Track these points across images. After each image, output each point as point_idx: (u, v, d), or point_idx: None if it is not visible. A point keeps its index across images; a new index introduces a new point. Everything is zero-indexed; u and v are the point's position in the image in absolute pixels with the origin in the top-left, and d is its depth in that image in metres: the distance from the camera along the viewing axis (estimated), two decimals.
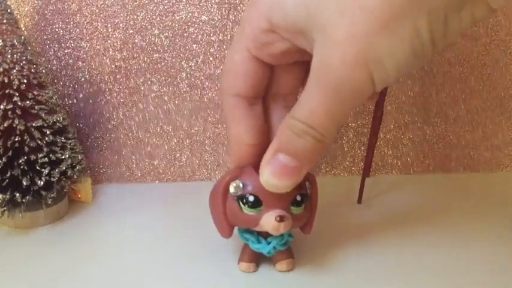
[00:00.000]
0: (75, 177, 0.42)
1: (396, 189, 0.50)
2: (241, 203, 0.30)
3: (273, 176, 0.27)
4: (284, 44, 0.26)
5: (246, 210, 0.30)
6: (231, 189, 0.31)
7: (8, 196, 0.37)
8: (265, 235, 0.33)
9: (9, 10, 0.38)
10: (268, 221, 0.30)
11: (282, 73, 0.30)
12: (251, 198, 0.30)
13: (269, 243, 0.33)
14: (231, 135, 0.31)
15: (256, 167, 0.30)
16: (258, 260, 0.35)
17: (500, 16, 0.49)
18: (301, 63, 0.30)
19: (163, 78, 0.48)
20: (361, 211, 0.44)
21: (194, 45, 0.47)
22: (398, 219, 0.43)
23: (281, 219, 0.29)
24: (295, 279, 0.34)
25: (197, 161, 0.51)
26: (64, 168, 0.40)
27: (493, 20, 0.49)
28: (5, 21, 0.37)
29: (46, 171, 0.38)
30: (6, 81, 0.36)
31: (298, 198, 0.31)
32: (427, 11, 0.20)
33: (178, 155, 0.51)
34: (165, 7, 0.46)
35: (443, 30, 0.21)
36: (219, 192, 0.31)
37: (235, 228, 0.34)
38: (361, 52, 0.21)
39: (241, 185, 0.30)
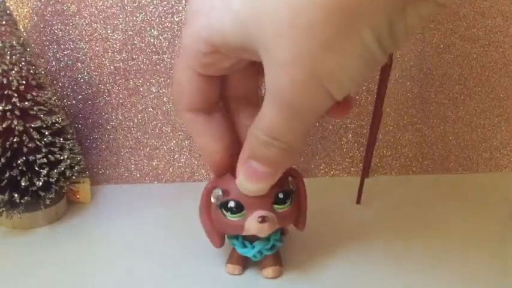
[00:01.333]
0: (74, 178, 0.42)
1: (395, 189, 0.50)
2: (224, 211, 0.30)
3: (246, 180, 0.28)
4: (230, 60, 0.26)
5: (229, 216, 0.30)
6: (212, 199, 0.31)
7: (6, 197, 0.37)
8: (251, 239, 0.33)
9: (8, 11, 0.38)
10: (251, 223, 0.30)
11: (235, 78, 0.30)
12: (232, 204, 0.30)
13: (254, 247, 0.33)
14: (199, 148, 0.31)
15: (233, 172, 0.30)
16: (245, 263, 0.35)
17: (499, 18, 0.49)
18: (252, 64, 0.28)
19: (162, 79, 0.48)
20: (360, 212, 0.44)
21: None
22: (397, 219, 0.43)
23: (263, 219, 0.29)
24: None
25: (196, 162, 0.51)
26: (63, 169, 0.40)
27: (491, 21, 0.49)
28: (4, 22, 0.37)
29: (45, 171, 0.38)
30: (5, 82, 0.36)
31: (281, 195, 0.30)
32: (369, 23, 0.19)
33: (177, 155, 0.51)
34: (165, 8, 0.46)
35: (390, 36, 0.20)
36: (203, 204, 0.32)
37: None
38: (309, 72, 0.21)
39: (220, 193, 0.30)
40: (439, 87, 0.51)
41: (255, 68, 0.29)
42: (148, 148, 0.51)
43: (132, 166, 0.51)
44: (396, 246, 0.38)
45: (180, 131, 0.50)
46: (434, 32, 0.49)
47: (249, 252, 0.33)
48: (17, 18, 0.45)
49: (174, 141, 0.51)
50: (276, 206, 0.30)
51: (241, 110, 0.31)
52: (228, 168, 0.31)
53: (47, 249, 0.38)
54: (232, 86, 0.30)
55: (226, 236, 0.34)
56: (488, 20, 0.49)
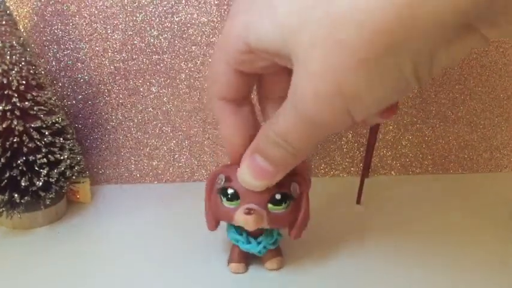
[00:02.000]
0: (74, 178, 0.42)
1: (395, 190, 0.50)
2: (222, 196, 0.31)
3: (247, 172, 0.29)
4: (264, 62, 0.26)
5: (225, 202, 0.31)
6: (216, 184, 0.32)
7: (6, 197, 0.37)
8: (255, 235, 0.33)
9: (8, 11, 0.38)
10: (238, 214, 0.30)
11: (270, 79, 0.30)
12: (230, 191, 0.31)
13: (259, 243, 0.33)
14: (222, 136, 0.32)
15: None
16: (247, 260, 0.35)
17: None
18: (288, 69, 0.29)
19: (162, 79, 0.48)
20: (360, 212, 0.44)
21: (193, 47, 0.48)
22: (397, 219, 0.43)
23: (249, 212, 0.29)
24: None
25: (196, 162, 0.51)
26: (63, 169, 0.40)
27: None
28: (4, 22, 0.37)
29: (45, 171, 0.38)
30: (5, 82, 0.36)
31: (278, 196, 0.31)
32: (410, 54, 0.19)
33: (177, 155, 0.51)
34: (165, 8, 0.46)
35: (429, 69, 0.20)
36: (207, 186, 0.33)
37: (226, 232, 0.34)
38: (334, 87, 0.21)
39: (223, 179, 0.31)
40: (439, 87, 0.51)
41: (288, 75, 0.29)
42: (148, 148, 0.51)
43: (132, 166, 0.51)
44: (396, 246, 0.38)
45: (180, 131, 0.50)
46: None
47: (254, 248, 0.33)
48: (17, 18, 0.45)
49: (174, 141, 0.51)
50: (270, 206, 0.31)
51: (270, 111, 0.31)
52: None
53: (47, 249, 0.38)
54: (266, 86, 0.31)
55: (227, 233, 0.34)
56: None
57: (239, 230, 0.33)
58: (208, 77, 0.30)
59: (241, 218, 0.30)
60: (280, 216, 0.31)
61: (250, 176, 0.29)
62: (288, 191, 0.31)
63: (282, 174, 0.28)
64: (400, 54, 0.19)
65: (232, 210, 0.31)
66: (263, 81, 0.30)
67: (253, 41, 0.24)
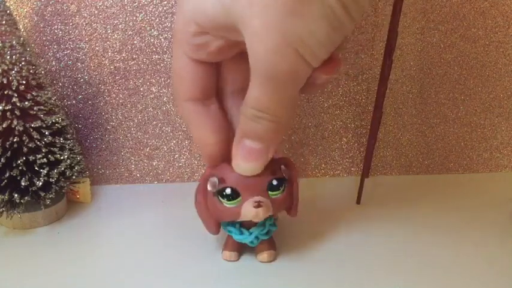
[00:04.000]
0: (74, 177, 0.42)
1: (395, 189, 0.50)
2: (220, 198, 0.31)
3: (242, 160, 0.29)
4: (218, 41, 0.27)
5: (226, 203, 0.31)
6: (208, 187, 0.32)
7: (6, 197, 0.37)
8: (247, 226, 0.34)
9: (8, 11, 0.38)
10: (247, 209, 0.30)
11: (230, 69, 0.31)
12: (228, 191, 0.31)
13: (251, 233, 0.34)
14: (195, 138, 0.32)
15: (229, 161, 0.31)
16: (240, 249, 0.36)
17: (499, 18, 0.49)
18: (245, 54, 0.30)
19: (162, 79, 0.48)
20: (360, 212, 0.44)
21: None
22: (397, 219, 0.43)
23: (258, 204, 0.30)
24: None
25: (196, 162, 0.51)
26: (63, 168, 0.40)
27: (492, 21, 0.49)
28: (4, 22, 0.37)
29: (45, 171, 0.38)
30: (5, 82, 0.36)
31: (274, 182, 0.31)
32: None
33: (177, 156, 0.51)
34: (164, 8, 0.46)
35: None
36: (200, 192, 0.33)
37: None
38: (279, 38, 0.22)
39: (216, 181, 0.31)
40: (439, 87, 0.51)
41: (246, 60, 0.30)
42: (148, 148, 0.51)
43: (132, 166, 0.51)
44: (396, 246, 0.38)
45: (180, 131, 0.50)
46: (434, 32, 0.49)
47: (246, 238, 0.34)
48: (17, 18, 0.45)
49: (174, 141, 0.50)
50: (270, 193, 0.31)
51: (238, 104, 0.32)
52: (221, 160, 0.32)
53: (47, 250, 0.38)
54: (228, 79, 0.31)
55: (222, 226, 0.35)
56: (488, 20, 0.49)
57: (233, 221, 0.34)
58: (173, 82, 0.30)
59: (251, 212, 0.30)
60: (280, 200, 0.32)
61: (244, 161, 0.29)
62: (281, 175, 0.32)
63: (272, 148, 0.29)
64: None
65: (235, 209, 0.31)
66: (223, 74, 0.31)
67: (200, 20, 0.25)
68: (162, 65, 0.48)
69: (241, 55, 0.29)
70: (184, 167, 0.51)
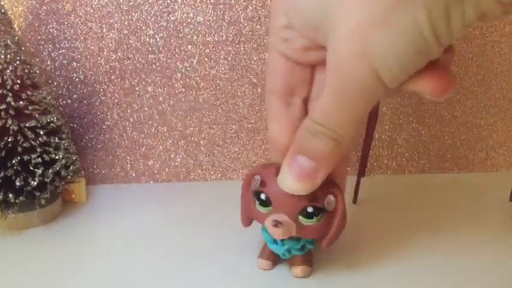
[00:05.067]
0: (69, 177, 0.42)
1: (391, 189, 0.50)
2: (255, 198, 0.31)
3: (290, 177, 0.28)
4: (303, 40, 0.26)
5: (257, 206, 0.31)
6: (252, 182, 0.32)
7: (1, 196, 0.37)
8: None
9: (2, 10, 0.38)
10: (267, 223, 0.30)
11: (319, 75, 0.30)
12: (263, 197, 0.31)
13: (284, 245, 0.33)
14: (270, 134, 0.32)
15: (278, 168, 0.30)
16: (276, 259, 0.35)
17: None
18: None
19: (158, 78, 0.48)
20: (356, 211, 0.44)
21: (189, 46, 0.47)
22: (393, 219, 0.43)
23: (276, 224, 0.29)
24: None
25: (192, 162, 0.51)
26: (58, 168, 0.40)
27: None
28: None
29: (39, 171, 0.38)
30: None
31: (310, 209, 0.29)
32: (425, 5, 0.20)
33: (173, 155, 0.51)
34: (160, 7, 0.46)
35: (445, 24, 0.20)
36: (243, 185, 0.33)
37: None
38: (361, 47, 0.21)
39: (259, 181, 0.31)
40: None
41: None
42: (144, 148, 0.50)
43: (128, 166, 0.51)
44: (392, 246, 0.38)
45: (176, 130, 0.50)
46: None
47: (279, 249, 0.33)
48: (12, 17, 0.44)
49: (170, 141, 0.50)
50: (301, 218, 0.30)
51: None
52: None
53: (42, 250, 0.38)
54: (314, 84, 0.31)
55: (261, 230, 0.34)
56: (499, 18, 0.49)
57: None
58: (266, 73, 0.31)
59: (270, 228, 0.30)
60: (312, 229, 0.30)
61: (291, 178, 0.27)
62: (321, 205, 0.30)
63: (325, 172, 0.27)
64: (415, 9, 0.20)
65: (263, 215, 0.31)
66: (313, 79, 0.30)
67: (293, 14, 0.25)
68: (157, 64, 0.48)
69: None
70: (180, 166, 0.51)
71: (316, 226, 0.30)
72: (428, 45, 0.21)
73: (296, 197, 0.29)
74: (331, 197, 0.30)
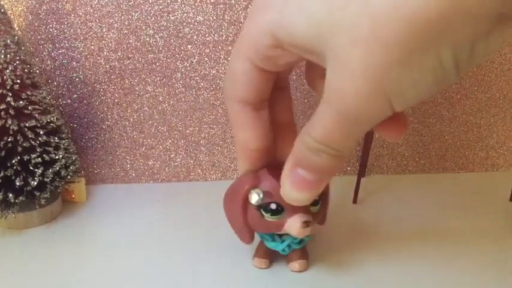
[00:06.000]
0: (69, 177, 0.42)
1: (391, 189, 0.50)
2: (262, 211, 0.31)
3: (293, 189, 0.27)
4: (291, 57, 0.25)
5: (268, 217, 0.31)
6: (252, 200, 0.31)
7: (1, 196, 0.37)
8: (280, 233, 0.33)
9: (2, 10, 0.38)
10: (294, 226, 0.30)
11: (287, 75, 0.30)
12: (273, 207, 0.30)
13: (283, 241, 0.33)
14: (237, 141, 0.31)
15: (269, 170, 0.30)
16: (271, 257, 0.35)
17: None
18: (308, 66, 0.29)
19: (158, 78, 0.48)
20: (356, 211, 0.44)
21: (189, 46, 0.47)
22: (393, 218, 0.43)
23: (307, 224, 0.30)
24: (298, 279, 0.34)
25: (192, 162, 0.51)
26: (58, 168, 0.40)
27: None
28: None
29: (39, 171, 0.38)
30: None
31: (316, 197, 0.30)
32: (450, 42, 0.19)
33: (173, 155, 0.51)
34: (160, 7, 0.46)
35: (468, 58, 0.20)
36: (239, 202, 0.31)
37: None
38: (377, 85, 0.21)
39: (261, 195, 0.30)
40: None
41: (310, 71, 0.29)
42: (144, 148, 0.50)
43: (128, 166, 0.51)
44: (392, 246, 0.38)
45: (176, 130, 0.50)
46: None
47: (278, 246, 0.33)
48: (12, 16, 0.44)
49: (170, 141, 0.50)
50: (312, 208, 0.31)
51: (277, 98, 0.31)
52: (258, 167, 0.31)
53: (42, 249, 0.38)
54: (282, 82, 0.30)
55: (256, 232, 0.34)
56: None
57: None
58: (226, 78, 0.29)
59: (297, 229, 0.30)
60: (318, 214, 0.32)
61: (296, 192, 0.27)
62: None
63: (327, 179, 0.28)
64: (441, 45, 0.19)
65: (278, 222, 0.31)
66: (280, 77, 0.30)
67: (284, 37, 0.24)
68: (157, 64, 0.48)
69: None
70: (180, 166, 0.51)
71: (320, 211, 0.32)
72: (449, 77, 0.21)
73: None
74: None
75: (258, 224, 0.32)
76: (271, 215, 0.31)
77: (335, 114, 0.23)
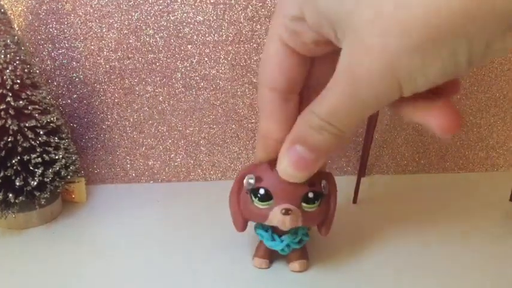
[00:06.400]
0: (69, 177, 0.42)
1: (391, 189, 0.50)
2: (252, 196, 0.31)
3: (289, 166, 0.28)
4: (313, 34, 0.25)
5: (256, 203, 0.31)
6: (245, 182, 0.31)
7: (0, 196, 0.37)
8: (279, 232, 0.34)
9: (2, 10, 0.38)
10: (275, 214, 0.30)
11: (320, 65, 0.29)
12: (262, 192, 0.30)
13: (282, 241, 0.33)
14: (260, 128, 0.31)
15: (271, 163, 0.30)
16: (271, 257, 0.35)
17: None
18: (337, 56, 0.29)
19: (158, 78, 0.48)
20: (356, 211, 0.44)
21: (189, 46, 0.47)
22: (393, 218, 0.43)
23: (286, 212, 0.29)
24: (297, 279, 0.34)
25: (192, 162, 0.51)
26: (58, 168, 0.40)
27: None
28: None
29: (39, 171, 0.38)
30: None
31: (311, 195, 0.31)
32: (468, 37, 0.19)
33: (173, 155, 0.51)
34: (160, 7, 0.46)
35: (483, 53, 0.20)
36: (235, 187, 0.32)
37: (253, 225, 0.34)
38: (390, 67, 0.21)
39: (253, 178, 0.31)
40: None
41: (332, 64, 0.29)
42: (144, 148, 0.50)
43: (128, 166, 0.51)
44: (393, 245, 0.38)
45: (176, 130, 0.50)
46: None
47: (278, 245, 0.33)
48: (12, 16, 0.44)
49: (170, 141, 0.50)
50: (304, 205, 0.31)
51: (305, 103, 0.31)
52: (273, 157, 0.31)
53: (42, 249, 0.38)
54: (313, 74, 0.30)
55: (254, 229, 0.34)
56: None
57: (266, 226, 0.33)
58: (261, 62, 0.29)
59: (278, 218, 0.30)
60: (313, 215, 0.31)
61: (292, 167, 0.28)
62: (320, 189, 0.31)
63: (323, 161, 0.28)
64: (459, 42, 0.19)
65: (265, 211, 0.31)
66: (313, 69, 0.30)
67: (309, 8, 0.24)
68: (157, 64, 0.48)
69: (330, 55, 0.27)
70: (180, 166, 0.51)
71: (317, 212, 0.31)
72: (459, 70, 0.21)
73: (296, 185, 0.29)
74: (324, 181, 0.32)
75: (248, 210, 0.32)
76: (259, 201, 0.31)
77: (343, 93, 0.23)
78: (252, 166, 0.32)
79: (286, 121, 0.30)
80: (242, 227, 0.33)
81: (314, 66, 0.30)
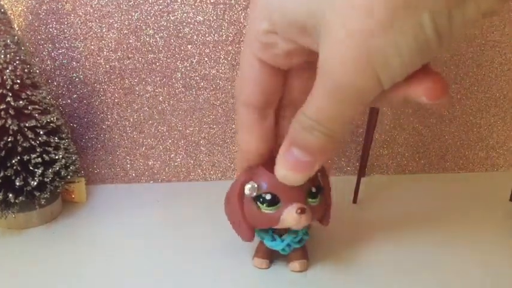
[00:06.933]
0: (69, 177, 0.42)
1: (391, 189, 0.50)
2: (258, 203, 0.31)
3: (287, 169, 0.28)
4: (287, 44, 0.26)
5: (264, 209, 0.31)
6: (246, 191, 0.31)
7: (0, 196, 0.37)
8: (279, 232, 0.34)
9: (2, 10, 0.38)
10: (290, 214, 0.30)
11: (294, 79, 0.30)
12: (268, 197, 0.30)
13: (283, 240, 0.33)
14: (241, 142, 0.31)
15: (266, 166, 0.30)
16: (271, 257, 0.35)
17: (495, 17, 0.49)
18: (313, 65, 0.29)
19: (158, 78, 0.48)
20: (356, 211, 0.44)
21: (189, 46, 0.47)
22: (393, 218, 0.43)
23: (302, 210, 0.30)
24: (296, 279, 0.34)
25: (192, 162, 0.51)
26: (58, 168, 0.40)
27: (488, 21, 0.49)
28: None
29: (39, 171, 0.38)
30: None
31: (313, 190, 0.31)
32: (428, 7, 0.20)
33: (173, 155, 0.51)
34: (160, 7, 0.46)
35: (448, 24, 0.20)
36: (235, 197, 0.32)
37: None
38: (362, 53, 0.21)
39: (255, 186, 0.31)
40: None
41: (313, 72, 0.29)
42: (144, 148, 0.50)
43: (128, 166, 0.51)
44: (392, 246, 0.38)
45: (176, 130, 0.50)
46: None
47: (278, 245, 0.33)
48: (12, 16, 0.44)
49: (170, 141, 0.50)
50: (309, 200, 0.31)
51: (289, 116, 0.31)
52: (257, 166, 0.31)
53: (42, 250, 0.38)
54: (289, 88, 0.30)
55: (255, 232, 0.34)
56: (484, 20, 0.49)
57: None
58: (237, 78, 0.30)
59: (293, 218, 0.30)
60: (317, 208, 0.32)
61: (290, 171, 0.28)
62: (319, 183, 0.32)
63: (321, 162, 0.28)
64: (420, 10, 0.20)
65: (275, 215, 0.30)
66: (288, 83, 0.30)
67: (277, 17, 0.24)
68: (157, 64, 0.48)
69: (302, 66, 0.28)
70: (180, 166, 0.51)
71: (319, 205, 0.32)
72: (431, 45, 0.21)
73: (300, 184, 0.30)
74: (319, 175, 0.32)
75: (256, 218, 0.31)
76: (268, 206, 0.31)
77: (325, 88, 0.23)
78: (247, 173, 0.32)
79: (265, 135, 0.30)
80: (251, 236, 0.33)
81: (289, 81, 0.30)
